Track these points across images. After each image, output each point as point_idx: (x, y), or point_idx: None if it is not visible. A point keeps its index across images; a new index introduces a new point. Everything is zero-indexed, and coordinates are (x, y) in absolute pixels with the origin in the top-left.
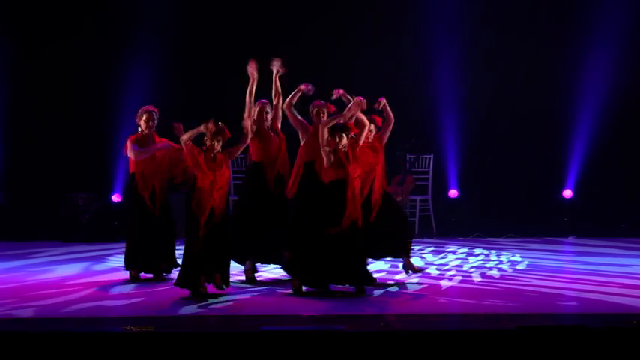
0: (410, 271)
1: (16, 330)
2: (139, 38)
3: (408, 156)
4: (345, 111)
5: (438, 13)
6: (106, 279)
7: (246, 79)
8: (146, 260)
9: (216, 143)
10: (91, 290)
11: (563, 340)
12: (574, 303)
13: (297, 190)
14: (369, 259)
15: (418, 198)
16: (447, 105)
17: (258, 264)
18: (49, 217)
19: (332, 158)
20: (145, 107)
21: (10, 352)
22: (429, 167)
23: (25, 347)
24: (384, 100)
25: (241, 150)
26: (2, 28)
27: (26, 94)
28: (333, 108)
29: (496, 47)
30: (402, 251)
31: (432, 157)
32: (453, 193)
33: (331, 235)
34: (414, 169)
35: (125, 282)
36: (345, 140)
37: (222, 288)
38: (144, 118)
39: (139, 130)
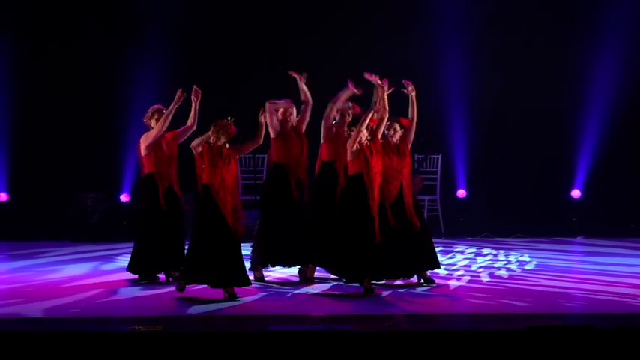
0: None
1: (24, 330)
2: (148, 38)
3: (416, 156)
4: (373, 107)
5: (447, 13)
6: (114, 279)
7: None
8: (157, 263)
9: (221, 138)
10: (99, 290)
11: (571, 340)
12: (582, 303)
13: (315, 188)
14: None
15: (426, 198)
16: (455, 105)
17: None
18: (58, 217)
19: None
20: (156, 106)
21: (17, 352)
22: (437, 167)
23: (32, 347)
24: (411, 87)
25: (252, 148)
26: (13, 29)
27: (36, 94)
28: (357, 109)
29: (505, 47)
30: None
31: (440, 157)
32: (462, 193)
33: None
34: (422, 169)
35: (133, 282)
36: (364, 133)
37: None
38: (155, 117)
39: (151, 129)
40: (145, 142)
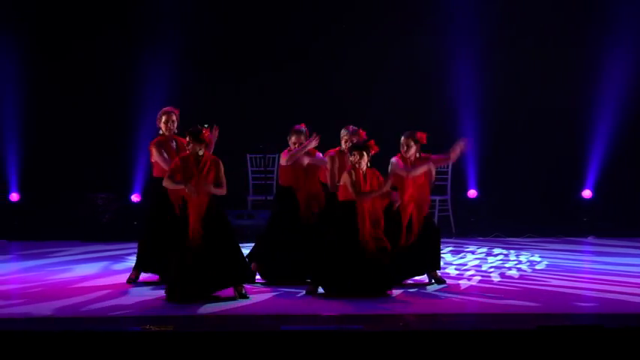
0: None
1: (35, 330)
2: (161, 38)
3: None
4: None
5: (458, 14)
6: (124, 279)
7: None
8: (158, 263)
9: (196, 145)
10: (109, 290)
11: (581, 340)
12: (593, 303)
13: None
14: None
15: (437, 198)
16: (466, 105)
17: None
18: (69, 217)
19: (350, 177)
20: (165, 109)
21: (28, 352)
22: (447, 167)
23: (43, 346)
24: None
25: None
26: (25, 28)
27: (47, 93)
28: (363, 134)
29: (516, 47)
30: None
31: None
32: (472, 193)
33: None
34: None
35: (144, 282)
36: (364, 159)
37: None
38: (163, 119)
39: (160, 132)
40: (155, 156)
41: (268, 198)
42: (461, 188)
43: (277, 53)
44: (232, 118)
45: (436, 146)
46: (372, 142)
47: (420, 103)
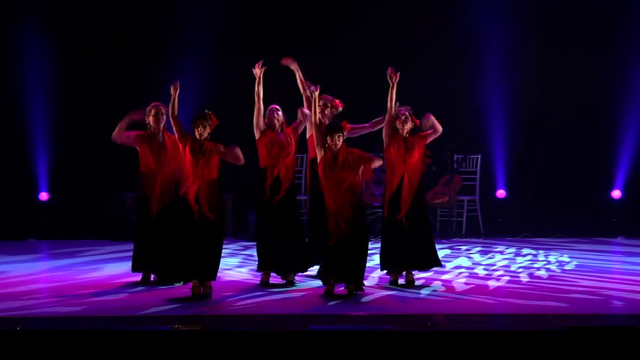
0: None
1: (64, 329)
2: (185, 40)
3: (455, 156)
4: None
5: (488, 13)
6: (152, 277)
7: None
8: (150, 262)
9: (200, 129)
10: (138, 289)
11: (612, 341)
12: (623, 304)
13: (310, 187)
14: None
15: (466, 198)
16: (495, 104)
17: None
18: (98, 216)
19: (325, 155)
20: (154, 103)
21: (57, 351)
22: (476, 167)
23: (72, 345)
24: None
25: (235, 154)
26: (54, 33)
27: (76, 94)
28: (339, 103)
29: (545, 47)
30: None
31: (479, 156)
32: (501, 193)
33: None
34: (461, 169)
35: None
36: (338, 141)
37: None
38: (152, 113)
39: (148, 126)
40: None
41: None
42: (489, 188)
43: (297, 56)
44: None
45: (465, 147)
46: (345, 122)
47: (448, 102)
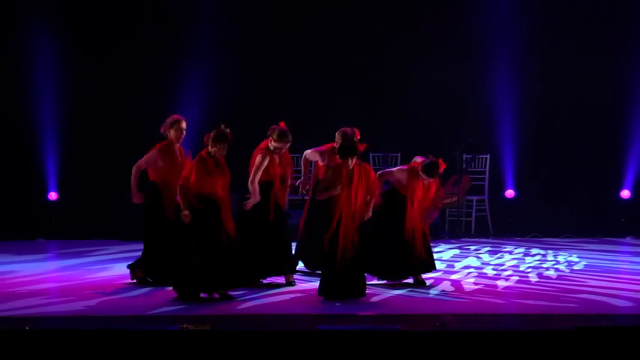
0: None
1: (73, 328)
2: (195, 42)
3: (464, 156)
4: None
5: (496, 14)
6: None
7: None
8: (161, 269)
9: (218, 148)
10: (147, 289)
11: (620, 341)
12: (632, 304)
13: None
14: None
15: (475, 198)
16: (503, 105)
17: None
18: (107, 216)
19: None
20: (175, 116)
21: (66, 350)
22: (485, 167)
23: (83, 345)
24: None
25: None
26: (64, 33)
27: (84, 94)
28: (358, 134)
29: (553, 47)
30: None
31: (488, 156)
32: (510, 193)
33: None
34: (470, 169)
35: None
36: (351, 161)
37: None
38: (175, 127)
39: (166, 135)
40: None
41: (305, 198)
42: (498, 188)
43: (310, 57)
44: (271, 119)
45: (474, 147)
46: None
47: (457, 103)
